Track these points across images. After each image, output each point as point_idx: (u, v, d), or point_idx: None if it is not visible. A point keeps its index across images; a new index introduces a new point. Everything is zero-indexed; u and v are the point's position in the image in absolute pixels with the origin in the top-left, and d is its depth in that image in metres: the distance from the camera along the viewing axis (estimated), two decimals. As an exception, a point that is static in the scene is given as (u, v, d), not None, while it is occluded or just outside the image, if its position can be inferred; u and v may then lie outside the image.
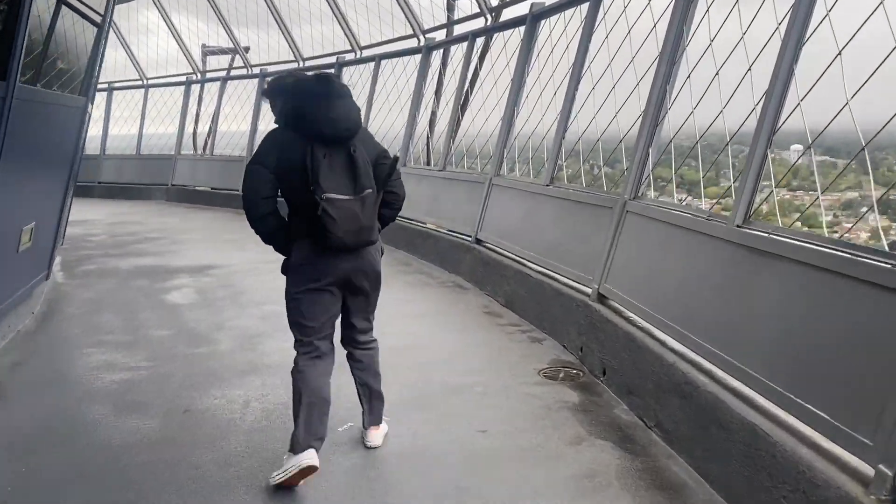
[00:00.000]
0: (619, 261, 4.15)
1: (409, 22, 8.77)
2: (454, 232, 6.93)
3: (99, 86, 15.13)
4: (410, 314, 5.28)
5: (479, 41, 7.41)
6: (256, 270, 6.54)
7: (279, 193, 2.74)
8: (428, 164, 8.43)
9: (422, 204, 7.77)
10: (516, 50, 6.48)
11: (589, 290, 4.36)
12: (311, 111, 2.68)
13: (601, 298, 4.24)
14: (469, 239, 6.54)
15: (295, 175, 2.65)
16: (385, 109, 9.31)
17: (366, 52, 10.09)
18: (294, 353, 2.86)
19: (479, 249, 6.22)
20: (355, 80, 10.16)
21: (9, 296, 4.42)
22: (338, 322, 2.95)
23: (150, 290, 6.06)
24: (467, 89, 7.49)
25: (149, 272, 6.79)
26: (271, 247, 2.84)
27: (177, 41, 13.67)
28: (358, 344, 3.02)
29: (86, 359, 4.23)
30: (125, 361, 4.16)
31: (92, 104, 7.09)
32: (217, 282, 6.26)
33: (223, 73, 13.43)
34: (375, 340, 3.08)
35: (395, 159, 2.85)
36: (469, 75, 7.54)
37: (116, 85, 15.20)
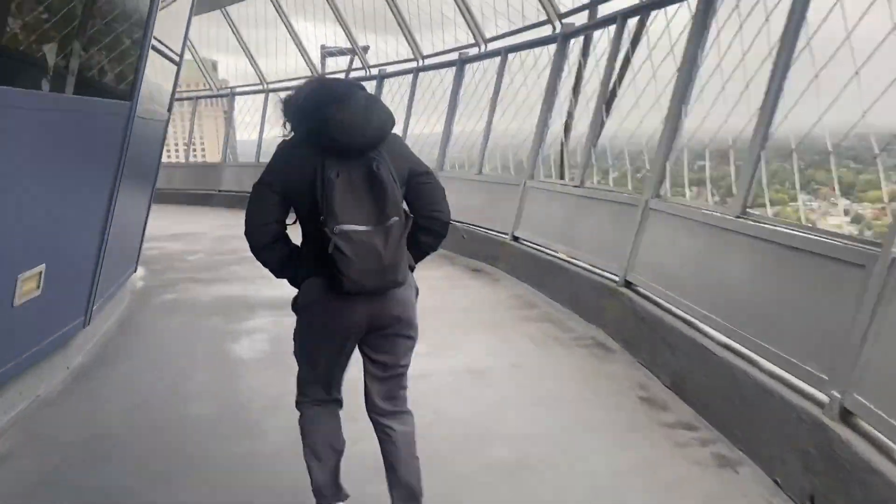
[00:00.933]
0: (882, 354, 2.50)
1: (542, 5, 7.27)
2: (596, 268, 5.37)
3: (221, 91, 14.90)
4: (530, 394, 3.80)
5: (632, 23, 5.80)
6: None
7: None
8: (561, 177, 6.90)
9: (553, 228, 6.25)
10: (684, 30, 4.84)
11: (823, 398, 2.72)
12: (321, 115, 2.11)
13: (844, 416, 2.60)
14: (615, 280, 4.97)
15: (304, 198, 2.18)
16: (511, 111, 7.87)
17: (491, 46, 8.69)
18: None
19: (630, 296, 4.64)
20: (478, 78, 8.80)
21: (10, 359, 3.40)
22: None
23: (218, 335, 4.96)
24: (615, 83, 5.89)
25: (228, 307, 5.73)
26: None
27: (295, 44, 12.92)
28: (382, 412, 2.44)
29: (90, 460, 3.10)
30: (133, 477, 2.98)
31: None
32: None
33: (342, 76, 12.50)
34: (409, 413, 2.48)
35: (427, 174, 2.31)
36: (617, 66, 5.95)
37: (238, 90, 14.80)
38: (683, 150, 4.70)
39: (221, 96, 15.49)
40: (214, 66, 19.44)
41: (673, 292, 4.19)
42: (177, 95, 16.33)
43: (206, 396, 3.81)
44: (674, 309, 4.14)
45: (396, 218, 2.12)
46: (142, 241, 6.27)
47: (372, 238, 2.10)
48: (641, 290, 4.65)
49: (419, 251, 2.35)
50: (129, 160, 4.46)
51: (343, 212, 2.09)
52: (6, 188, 3.05)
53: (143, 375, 4.17)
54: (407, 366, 2.42)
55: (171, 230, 10.83)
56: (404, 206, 2.21)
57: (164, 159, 17.13)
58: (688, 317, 3.95)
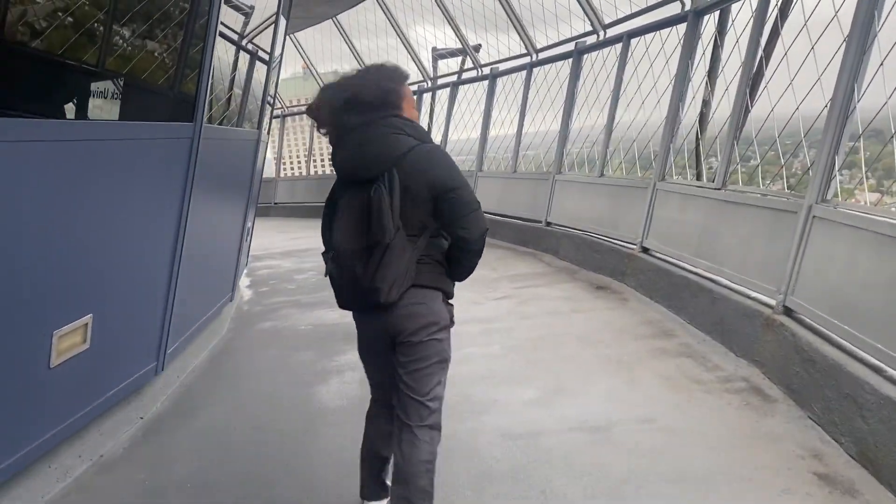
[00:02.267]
0: None
1: (669, -21, 6.31)
2: (746, 288, 4.40)
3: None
4: (665, 466, 2.96)
5: (780, -13, 4.76)
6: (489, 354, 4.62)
7: None
8: (698, 177, 5.90)
9: (689, 237, 5.30)
10: (854, -13, 3.80)
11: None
12: (331, 141, 2.31)
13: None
14: (771, 306, 4.00)
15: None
16: (636, 102, 6.93)
17: (611, 32, 7.76)
18: None
19: (793, 329, 3.66)
20: (598, 69, 7.91)
21: (50, 427, 3.02)
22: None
23: (306, 376, 4.46)
24: (760, 62, 4.87)
25: (323, 338, 5.26)
26: None
27: (406, 49, 12.50)
28: (400, 423, 2.35)
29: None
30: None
31: (265, 132, 6.12)
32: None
33: (454, 78, 11.93)
34: (428, 429, 2.33)
35: (454, 190, 2.24)
36: (762, 42, 4.92)
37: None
38: (859, 138, 3.67)
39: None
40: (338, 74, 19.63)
41: (854, 328, 3.20)
42: (293, 110, 16.56)
43: (276, 465, 3.27)
44: (859, 352, 3.16)
45: (382, 240, 2.15)
46: (237, 267, 5.94)
47: (353, 261, 2.20)
48: (808, 320, 3.67)
49: (456, 268, 2.36)
50: (203, 186, 4.06)
51: (337, 236, 2.26)
52: (39, 233, 2.65)
53: (216, 432, 3.71)
54: (428, 395, 2.34)
55: (286, 246, 10.71)
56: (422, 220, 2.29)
57: (284, 173, 17.50)
58: (882, 365, 2.97)
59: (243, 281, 7.76)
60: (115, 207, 3.19)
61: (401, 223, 2.19)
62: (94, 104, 4.22)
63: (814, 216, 3.77)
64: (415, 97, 2.37)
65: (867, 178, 3.76)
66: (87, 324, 3.08)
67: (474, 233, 2.27)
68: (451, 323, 2.39)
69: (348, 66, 14.42)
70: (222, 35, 4.32)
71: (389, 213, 2.15)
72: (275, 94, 6.45)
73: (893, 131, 3.40)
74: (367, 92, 2.23)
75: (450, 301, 2.39)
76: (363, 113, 2.22)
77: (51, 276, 2.79)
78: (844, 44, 3.80)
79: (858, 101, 3.68)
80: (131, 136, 3.28)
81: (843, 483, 2.75)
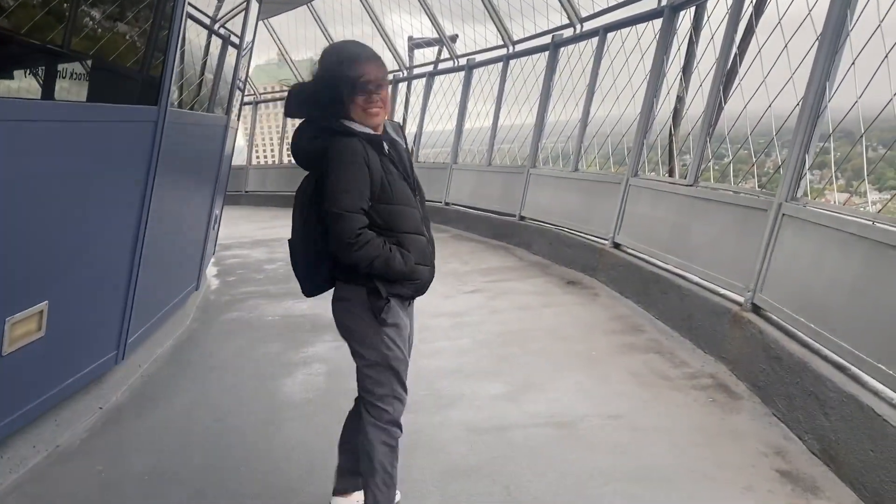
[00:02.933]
0: None
1: (645, -26, 6.29)
2: (715, 285, 4.41)
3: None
4: (631, 463, 2.94)
5: (756, -16, 4.76)
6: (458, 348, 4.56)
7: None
8: (671, 174, 5.92)
9: (660, 234, 5.31)
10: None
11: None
12: None
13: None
14: (739, 302, 4.02)
15: None
16: (611, 97, 6.92)
17: (588, 25, 7.74)
18: None
19: (760, 326, 3.68)
20: (573, 62, 7.89)
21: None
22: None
23: (271, 368, 4.39)
24: (735, 60, 4.87)
25: (291, 329, 5.17)
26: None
27: (382, 36, 12.38)
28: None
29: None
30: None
31: (234, 118, 6.00)
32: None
33: (430, 68, 11.85)
34: (366, 410, 2.38)
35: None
36: (737, 40, 4.93)
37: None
38: (829, 138, 3.68)
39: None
40: (313, 62, 19.38)
41: (820, 326, 3.22)
42: (266, 97, 16.31)
43: (236, 458, 3.20)
44: (822, 349, 3.17)
45: (302, 225, 2.34)
46: (204, 255, 5.83)
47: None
48: (775, 317, 3.68)
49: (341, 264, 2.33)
50: (168, 172, 3.95)
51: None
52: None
53: (176, 423, 3.63)
54: (357, 368, 2.40)
55: (256, 236, 10.57)
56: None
57: (256, 161, 17.23)
58: (845, 363, 2.99)
59: (210, 270, 7.63)
60: (74, 191, 3.09)
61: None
62: (60, 86, 4.08)
63: (783, 214, 3.78)
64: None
65: (836, 178, 3.78)
66: (42, 311, 2.98)
67: (330, 215, 2.14)
68: (377, 318, 2.29)
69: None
70: (193, 18, 4.22)
71: (300, 203, 2.40)
72: (245, 80, 6.32)
73: (863, 132, 3.41)
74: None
75: (382, 295, 2.28)
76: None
77: (3, 261, 2.69)
78: (817, 43, 3.81)
79: (829, 101, 3.69)
80: (93, 119, 3.18)
81: (805, 480, 2.76)
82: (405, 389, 2.39)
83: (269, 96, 17.23)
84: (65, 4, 2.99)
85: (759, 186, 4.54)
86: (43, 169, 2.80)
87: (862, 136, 3.40)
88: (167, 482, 2.98)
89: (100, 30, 3.68)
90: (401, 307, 2.34)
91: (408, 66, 12.49)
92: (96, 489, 2.95)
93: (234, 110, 6.08)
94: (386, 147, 2.25)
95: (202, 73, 4.87)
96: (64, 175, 2.98)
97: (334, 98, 2.18)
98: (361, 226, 2.14)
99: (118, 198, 3.54)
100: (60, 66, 4.14)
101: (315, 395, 3.90)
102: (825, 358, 3.12)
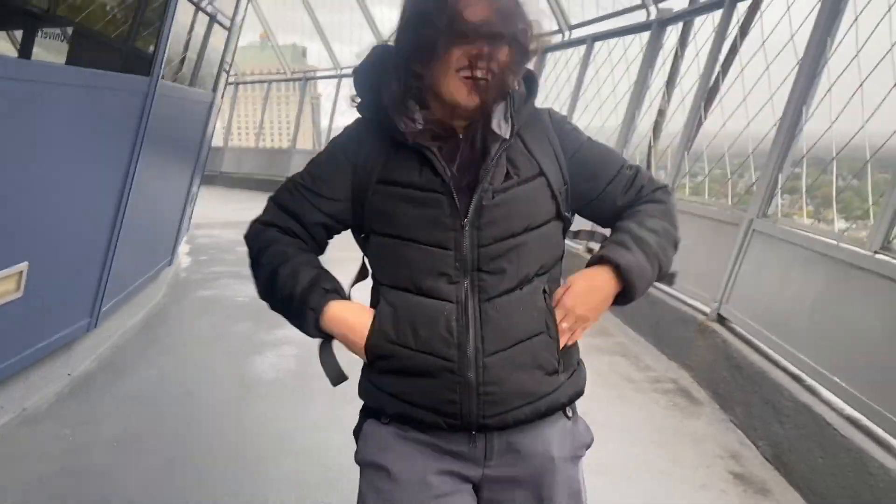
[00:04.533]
0: None
1: (636, -12, 6.44)
2: (683, 295, 4.54)
3: (294, 76, 14.62)
4: (591, 457, 3.05)
5: (742, 7, 4.91)
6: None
7: None
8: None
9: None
10: (811, 13, 3.96)
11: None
12: None
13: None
14: (705, 313, 4.14)
15: None
16: (594, 106, 7.05)
17: (576, 34, 7.87)
18: None
19: (724, 336, 3.81)
20: (560, 68, 8.01)
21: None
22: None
23: (242, 347, 4.41)
24: (717, 77, 5.02)
25: (263, 309, 5.08)
26: None
27: (370, 28, 12.40)
28: None
29: None
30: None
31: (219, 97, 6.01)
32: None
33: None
34: None
35: None
36: (721, 58, 5.07)
37: (312, 75, 14.47)
38: (803, 160, 3.83)
39: (294, 80, 15.17)
40: (304, 52, 19.25)
41: (780, 339, 3.35)
42: (249, 79, 16.25)
43: (207, 430, 3.23)
44: (781, 361, 3.31)
45: None
46: (179, 231, 5.82)
47: None
48: (738, 329, 3.82)
49: None
50: (153, 143, 3.96)
51: None
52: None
53: (146, 393, 3.65)
54: None
55: (230, 217, 10.48)
56: None
57: (232, 143, 17.13)
58: (801, 374, 3.12)
59: (182, 248, 7.59)
60: (61, 155, 3.09)
61: None
62: (38, 50, 4.04)
63: (754, 230, 3.92)
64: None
65: (806, 203, 3.94)
66: (22, 271, 2.98)
67: None
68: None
69: (309, 39, 14.23)
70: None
71: None
72: (231, 61, 6.33)
73: (834, 155, 3.56)
74: None
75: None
76: None
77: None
78: (797, 66, 3.95)
79: (805, 123, 3.84)
80: (86, 84, 3.18)
81: (756, 483, 2.88)
82: None
83: (248, 79, 17.10)
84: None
85: (731, 204, 4.68)
86: (35, 130, 2.81)
87: (833, 160, 3.55)
88: (137, 449, 3.00)
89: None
90: (418, 446, 1.32)
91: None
92: (64, 452, 2.96)
93: (220, 90, 6.08)
94: (435, 155, 1.26)
95: (185, 50, 4.86)
96: (52, 139, 2.98)
97: (410, 58, 1.24)
98: (268, 221, 1.39)
99: (104, 165, 3.55)
100: (47, 30, 4.11)
101: (284, 376, 3.94)
102: (784, 369, 3.25)
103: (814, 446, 2.78)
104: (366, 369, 1.36)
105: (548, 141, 1.35)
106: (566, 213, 1.35)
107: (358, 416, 1.40)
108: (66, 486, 2.69)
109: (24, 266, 2.99)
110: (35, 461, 2.88)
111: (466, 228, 1.26)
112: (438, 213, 1.26)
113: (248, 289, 5.95)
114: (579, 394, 1.40)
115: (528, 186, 1.29)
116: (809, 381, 3.06)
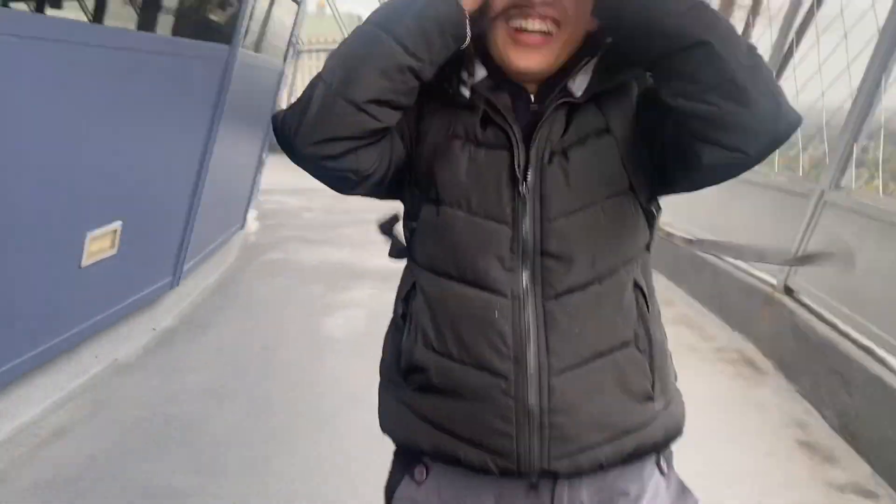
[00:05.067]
0: None
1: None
2: (749, 266, 4.52)
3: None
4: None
5: (820, -29, 4.77)
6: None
7: None
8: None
9: (697, 212, 5.41)
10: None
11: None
12: None
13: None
14: (773, 284, 4.12)
15: None
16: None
17: None
18: None
19: (791, 307, 3.78)
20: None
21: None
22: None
23: (313, 307, 4.60)
24: (791, 45, 4.90)
25: (332, 272, 5.37)
26: None
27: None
28: None
29: (143, 447, 2.77)
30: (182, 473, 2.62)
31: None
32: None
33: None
34: None
35: None
36: (795, 25, 4.95)
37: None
38: (881, 130, 3.75)
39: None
40: (360, 19, 19.38)
41: (851, 310, 3.33)
42: (311, 48, 16.43)
43: (284, 383, 3.41)
44: (851, 332, 3.29)
45: None
46: (251, 196, 6.03)
47: None
48: (806, 300, 3.79)
49: None
50: (230, 111, 4.12)
51: None
52: (79, 137, 2.73)
53: (227, 348, 3.85)
54: None
55: (296, 184, 10.72)
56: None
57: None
58: (871, 345, 3.11)
59: (251, 213, 7.85)
60: (151, 121, 3.27)
61: None
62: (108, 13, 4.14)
63: (825, 201, 3.86)
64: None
65: (879, 175, 3.86)
66: (116, 230, 3.18)
67: None
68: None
69: (364, 9, 14.28)
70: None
71: None
72: (297, 33, 6.49)
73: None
74: None
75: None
76: None
77: (87, 178, 2.88)
78: (878, 35, 3.85)
79: (884, 93, 3.74)
80: (172, 52, 3.34)
81: (824, 451, 2.90)
82: None
83: (309, 47, 17.26)
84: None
85: (801, 175, 4.61)
86: (127, 97, 2.98)
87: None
88: (221, 399, 3.20)
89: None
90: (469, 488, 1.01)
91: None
92: (156, 399, 3.18)
93: (290, 60, 6.23)
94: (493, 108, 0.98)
95: (252, 20, 4.97)
96: (144, 106, 3.15)
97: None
98: None
99: (188, 130, 3.72)
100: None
101: (354, 336, 4.09)
102: (854, 340, 3.23)
103: (883, 417, 2.78)
104: (391, 388, 1.06)
105: (627, 98, 1.00)
106: (639, 189, 1.00)
107: (391, 461, 1.09)
108: (159, 430, 2.90)
109: (118, 225, 3.19)
110: (130, 406, 3.10)
111: (529, 195, 0.95)
112: (492, 176, 0.96)
113: (315, 253, 6.17)
114: (678, 432, 1.09)
115: (593, 146, 0.97)
116: (881, 352, 3.05)
